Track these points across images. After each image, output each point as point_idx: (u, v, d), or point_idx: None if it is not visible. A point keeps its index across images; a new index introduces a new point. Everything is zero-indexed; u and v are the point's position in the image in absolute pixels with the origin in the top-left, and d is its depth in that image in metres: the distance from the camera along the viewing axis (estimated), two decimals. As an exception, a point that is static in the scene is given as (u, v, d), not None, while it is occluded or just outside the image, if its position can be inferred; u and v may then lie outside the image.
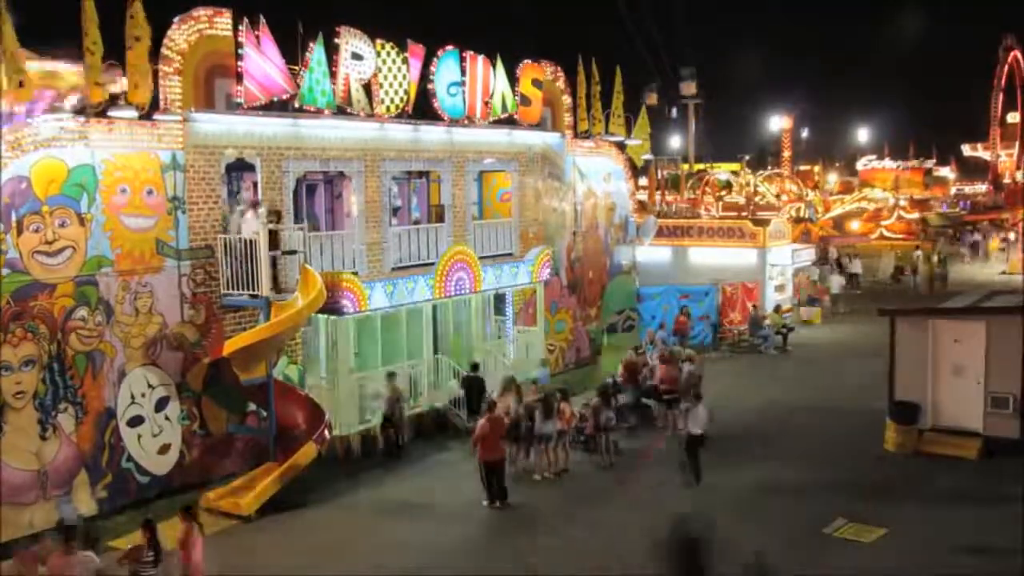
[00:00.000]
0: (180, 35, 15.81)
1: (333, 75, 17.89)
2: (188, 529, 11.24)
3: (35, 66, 14.44)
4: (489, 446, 15.41)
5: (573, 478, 16.83)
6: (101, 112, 14.97)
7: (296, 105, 17.41)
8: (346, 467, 17.26)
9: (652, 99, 44.98)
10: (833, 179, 69.02)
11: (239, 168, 17.49)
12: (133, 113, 15.24)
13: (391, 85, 19.04)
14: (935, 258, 40.22)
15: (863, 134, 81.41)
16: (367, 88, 18.82)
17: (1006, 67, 66.92)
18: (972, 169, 78.06)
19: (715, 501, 15.25)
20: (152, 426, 15.60)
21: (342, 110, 18.30)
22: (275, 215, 16.29)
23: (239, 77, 16.39)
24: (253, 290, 15.99)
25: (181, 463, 16.00)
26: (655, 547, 10.31)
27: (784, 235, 32.85)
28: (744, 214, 40.33)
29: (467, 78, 20.96)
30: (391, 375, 18.32)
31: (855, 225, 45.80)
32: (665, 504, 14.77)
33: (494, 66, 21.66)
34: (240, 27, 16.30)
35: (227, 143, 16.56)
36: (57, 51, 15.01)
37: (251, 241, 15.82)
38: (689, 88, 45.60)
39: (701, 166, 53.80)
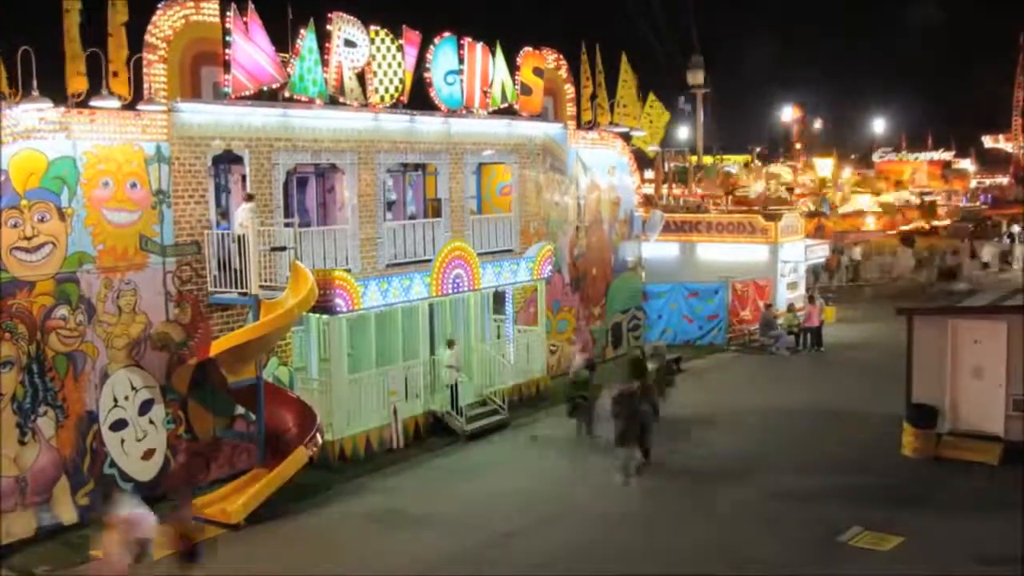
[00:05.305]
0: (165, 21, 15.54)
1: (325, 63, 17.56)
2: None
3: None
4: None
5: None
6: (83, 102, 14.70)
7: (286, 95, 17.09)
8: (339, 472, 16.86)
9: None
10: (848, 172, 68.29)
11: (227, 160, 17.17)
12: (116, 103, 14.99)
13: (386, 74, 18.65)
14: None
15: (879, 125, 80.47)
16: (361, 77, 18.43)
17: (1029, 55, 66.16)
18: (993, 161, 77.21)
19: (725, 509, 14.94)
20: (136, 430, 15.30)
21: (334, 100, 17.96)
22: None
23: (226, 65, 16.07)
24: (242, 288, 15.69)
25: (166, 469, 15.67)
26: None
27: (797, 230, 32.25)
28: (755, 208, 39.73)
29: (465, 66, 20.53)
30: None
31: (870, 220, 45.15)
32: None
33: (493, 54, 21.22)
34: (228, 13, 16.00)
35: (214, 134, 16.24)
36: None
37: (240, 236, 15.49)
38: (696, 78, 44.81)
39: (709, 158, 53.21)
